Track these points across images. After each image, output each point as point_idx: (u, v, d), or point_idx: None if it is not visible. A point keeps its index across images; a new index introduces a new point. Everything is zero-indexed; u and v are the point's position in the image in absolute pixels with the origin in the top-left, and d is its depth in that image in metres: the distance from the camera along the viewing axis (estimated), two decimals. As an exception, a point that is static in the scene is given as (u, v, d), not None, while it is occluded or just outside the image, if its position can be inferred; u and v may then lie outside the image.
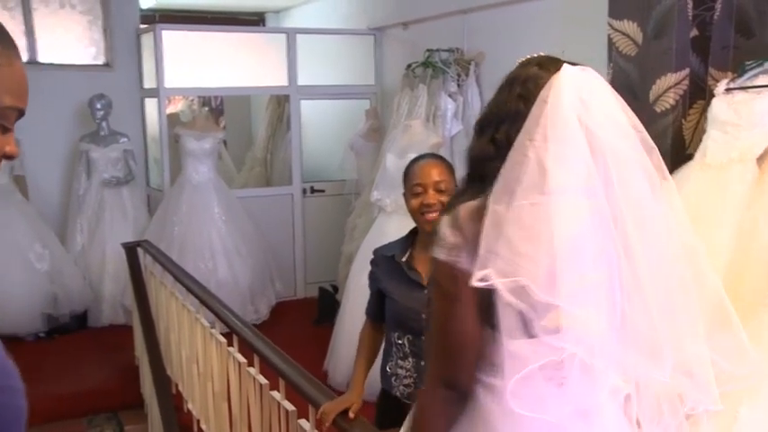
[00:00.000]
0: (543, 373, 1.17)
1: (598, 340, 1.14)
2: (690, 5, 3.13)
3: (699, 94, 3.13)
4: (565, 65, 1.25)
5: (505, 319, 1.14)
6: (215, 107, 7.77)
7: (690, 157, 2.98)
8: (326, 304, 5.15)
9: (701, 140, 2.94)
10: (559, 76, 1.22)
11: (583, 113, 1.18)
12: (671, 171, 2.86)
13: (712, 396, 1.18)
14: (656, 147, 1.23)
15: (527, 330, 1.15)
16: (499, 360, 1.18)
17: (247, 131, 7.63)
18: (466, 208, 1.24)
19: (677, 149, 3.10)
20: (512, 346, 1.15)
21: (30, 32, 5.71)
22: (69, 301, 5.11)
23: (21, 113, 0.95)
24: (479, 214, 1.19)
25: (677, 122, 3.10)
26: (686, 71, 3.12)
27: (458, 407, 1.27)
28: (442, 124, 4.62)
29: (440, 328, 1.27)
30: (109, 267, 5.18)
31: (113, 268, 5.09)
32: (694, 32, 3.15)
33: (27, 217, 5.11)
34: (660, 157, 1.20)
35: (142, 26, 5.97)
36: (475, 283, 1.13)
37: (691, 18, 3.14)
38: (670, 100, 3.10)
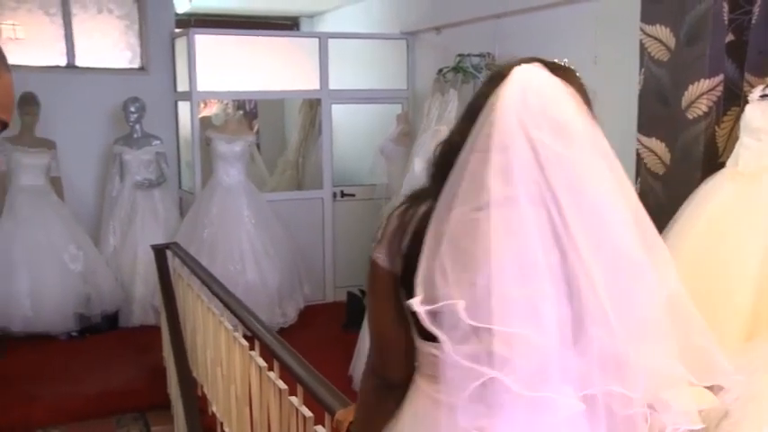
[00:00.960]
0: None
1: (541, 359, 1.07)
2: (726, 9, 3.06)
3: (733, 101, 3.05)
4: (517, 67, 1.18)
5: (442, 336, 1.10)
6: (249, 111, 7.83)
7: (723, 166, 2.91)
8: (355, 309, 5.14)
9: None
10: (509, 79, 1.15)
11: (529, 119, 1.11)
12: (703, 179, 2.83)
13: (689, 415, 1.11)
14: (612, 152, 1.15)
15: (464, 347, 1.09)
16: (437, 371, 1.13)
17: (281, 135, 7.68)
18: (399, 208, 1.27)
19: (710, 157, 3.03)
20: (449, 361, 1.09)
21: (69, 37, 5.82)
22: (101, 301, 5.19)
23: (4, 126, 0.95)
24: (405, 215, 1.21)
25: (710, 130, 3.03)
26: (720, 77, 3.05)
27: (390, 394, 1.30)
28: (473, 129, 4.58)
29: (368, 321, 1.35)
30: (140, 269, 5.25)
31: (144, 269, 5.15)
32: (730, 37, 3.08)
33: (62, 218, 5.21)
34: (619, 165, 1.14)
35: (176, 30, 6.04)
36: (413, 308, 1.10)
37: (726, 22, 3.06)
38: (703, 107, 3.03)
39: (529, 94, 1.13)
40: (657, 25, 3.22)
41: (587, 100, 1.26)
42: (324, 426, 2.17)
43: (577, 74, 1.30)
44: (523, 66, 1.18)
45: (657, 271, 1.11)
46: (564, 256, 1.07)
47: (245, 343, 2.96)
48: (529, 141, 1.09)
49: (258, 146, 7.04)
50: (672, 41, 3.17)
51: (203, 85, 5.44)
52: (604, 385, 1.09)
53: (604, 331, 1.07)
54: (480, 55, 4.75)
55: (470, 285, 1.06)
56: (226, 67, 5.57)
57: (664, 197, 3.15)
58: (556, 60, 1.27)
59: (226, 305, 3.12)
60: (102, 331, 5.23)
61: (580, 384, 1.09)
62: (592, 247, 1.07)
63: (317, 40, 5.81)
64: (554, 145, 1.09)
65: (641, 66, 3.29)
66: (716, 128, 3.04)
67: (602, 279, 1.07)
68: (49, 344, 4.96)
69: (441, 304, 1.07)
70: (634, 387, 1.07)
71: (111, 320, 5.33)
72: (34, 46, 5.78)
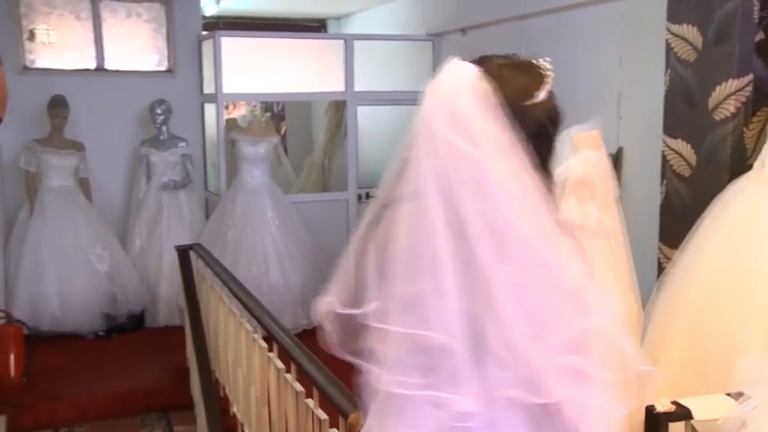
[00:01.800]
0: None
1: (434, 358, 1.06)
2: (756, 7, 2.98)
3: (763, 101, 2.98)
4: (449, 65, 1.18)
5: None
6: (277, 112, 7.87)
7: (751, 168, 2.83)
8: (378, 311, 5.12)
9: (764, 150, 2.79)
10: (438, 77, 1.17)
11: (436, 114, 1.11)
12: (730, 182, 2.76)
13: (606, 413, 1.09)
14: (526, 158, 1.11)
15: None
16: None
17: (308, 137, 7.70)
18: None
19: (738, 159, 2.96)
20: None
21: (98, 41, 5.90)
22: (127, 301, 5.25)
23: None
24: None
25: (738, 131, 2.96)
26: (749, 77, 2.97)
27: None
28: (497, 131, 4.54)
29: None
30: (165, 269, 5.29)
31: (169, 270, 5.19)
32: (760, 36, 3.00)
33: (89, 219, 5.28)
34: (527, 173, 1.11)
35: (203, 33, 6.09)
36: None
37: (757, 20, 2.99)
38: (730, 107, 2.96)
39: (442, 89, 1.14)
40: (684, 24, 3.15)
41: (522, 98, 1.19)
42: (338, 429, 2.16)
43: (542, 72, 1.25)
44: (453, 61, 1.19)
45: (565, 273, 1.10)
46: (464, 252, 1.07)
47: (264, 344, 2.96)
48: (433, 135, 1.10)
49: (285, 148, 7.08)
50: (699, 41, 3.11)
51: (229, 87, 5.47)
52: (508, 387, 1.06)
53: (505, 331, 1.06)
54: (505, 56, 4.70)
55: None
56: (252, 69, 5.60)
57: (689, 200, 3.09)
58: (531, 59, 1.28)
59: (245, 306, 3.13)
60: (128, 331, 5.29)
61: (483, 385, 1.08)
62: (492, 244, 1.06)
63: (342, 41, 5.81)
64: (454, 139, 1.09)
65: (667, 66, 3.23)
66: (744, 129, 2.97)
67: (501, 276, 1.06)
68: (76, 343, 5.03)
69: (355, 310, 1.09)
70: (538, 389, 1.05)
71: (137, 320, 5.39)
72: (65, 50, 5.87)
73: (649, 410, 1.87)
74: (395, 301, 1.08)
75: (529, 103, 1.20)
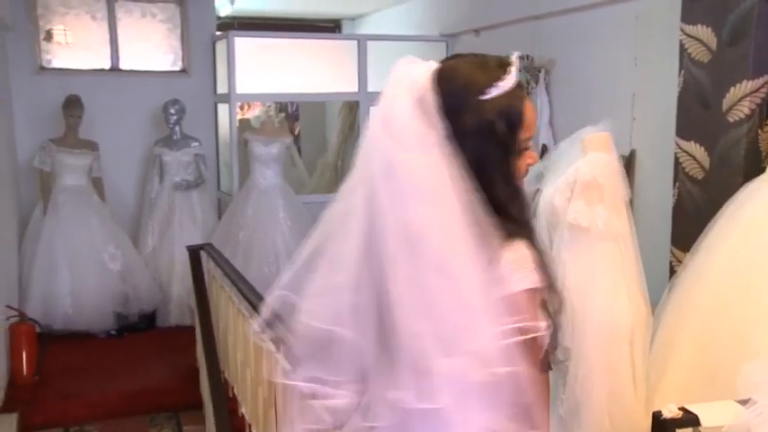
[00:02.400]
0: None
1: (334, 351, 1.10)
2: (772, 8, 2.94)
3: (779, 103, 2.93)
4: (400, 63, 1.21)
5: None
6: (291, 113, 7.88)
7: (765, 170, 2.79)
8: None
9: (779, 153, 2.75)
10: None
11: (376, 111, 1.16)
12: (743, 184, 2.72)
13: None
14: (454, 158, 1.14)
15: None
16: None
17: (322, 137, 7.70)
18: None
19: (752, 162, 2.91)
20: None
21: (113, 41, 5.94)
22: (139, 300, 5.27)
23: None
24: None
25: (752, 133, 2.91)
26: (764, 78, 2.92)
27: None
28: (510, 132, 4.52)
29: None
30: (177, 269, 5.31)
31: (181, 270, 5.20)
32: (775, 37, 2.95)
33: (102, 218, 5.31)
34: (463, 174, 1.12)
35: (217, 33, 6.11)
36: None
37: (772, 22, 2.94)
38: (745, 109, 2.91)
39: (387, 85, 1.19)
40: (698, 25, 3.11)
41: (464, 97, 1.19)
42: (342, 431, 2.14)
43: (501, 70, 1.22)
44: (406, 59, 1.22)
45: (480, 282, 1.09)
46: (374, 251, 1.10)
47: (272, 346, 2.95)
48: (367, 134, 1.16)
49: (299, 148, 7.08)
50: (713, 41, 3.06)
51: (242, 87, 5.47)
52: (397, 388, 1.07)
53: (406, 331, 1.06)
54: (519, 57, 4.66)
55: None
56: (265, 70, 5.60)
57: (703, 202, 3.04)
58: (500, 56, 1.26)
59: (254, 307, 3.12)
60: (139, 330, 5.31)
61: (383, 381, 1.10)
62: (400, 245, 1.08)
63: (355, 42, 5.81)
64: (381, 139, 1.13)
65: (681, 67, 3.18)
66: (758, 131, 2.92)
67: (402, 277, 1.07)
68: (88, 342, 5.06)
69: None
70: (424, 394, 1.06)
71: (149, 320, 5.41)
72: (81, 50, 5.92)
73: (656, 416, 1.84)
74: (307, 294, 1.13)
75: (477, 99, 1.18)
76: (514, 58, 1.25)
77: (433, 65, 1.22)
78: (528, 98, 1.25)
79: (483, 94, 1.19)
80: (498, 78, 1.20)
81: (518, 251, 1.16)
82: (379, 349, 1.11)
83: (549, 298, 1.19)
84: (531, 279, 1.15)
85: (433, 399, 1.05)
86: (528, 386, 1.09)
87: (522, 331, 1.09)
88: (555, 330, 1.21)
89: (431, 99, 1.16)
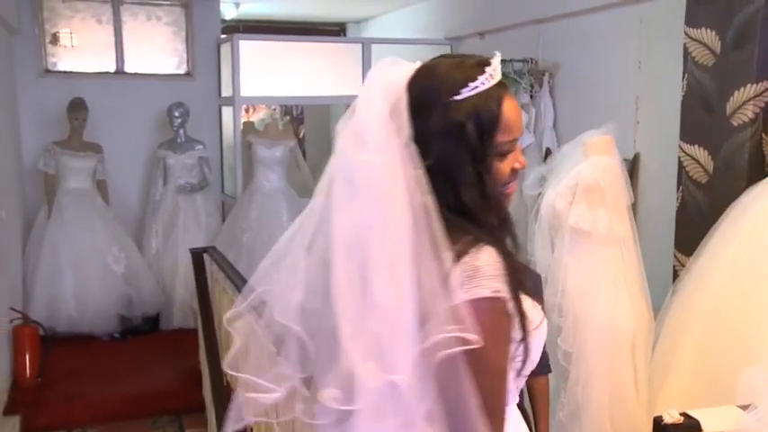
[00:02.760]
0: None
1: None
2: (776, 12, 2.92)
3: (783, 107, 2.91)
4: (379, 64, 1.22)
5: None
6: (296, 116, 7.88)
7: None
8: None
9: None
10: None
11: (347, 120, 1.16)
12: (747, 188, 2.70)
13: None
14: (419, 168, 1.11)
15: None
16: None
17: (327, 140, 7.68)
18: None
19: (755, 166, 2.89)
20: None
21: (119, 44, 5.96)
22: (142, 303, 5.27)
23: None
24: None
25: (756, 137, 2.89)
26: (769, 82, 2.91)
27: None
28: (513, 136, 4.50)
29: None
30: (181, 272, 5.31)
31: (185, 273, 5.20)
32: (781, 40, 2.94)
33: (106, 221, 5.31)
34: (422, 176, 1.10)
35: (222, 36, 6.12)
36: None
37: (777, 25, 2.92)
38: (749, 113, 2.90)
39: (363, 86, 1.19)
40: (702, 28, 3.09)
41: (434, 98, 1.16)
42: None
43: (479, 71, 1.17)
44: (386, 60, 1.22)
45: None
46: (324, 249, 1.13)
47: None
48: (341, 140, 1.16)
49: (304, 151, 7.08)
50: (717, 45, 3.05)
51: (247, 90, 5.48)
52: (332, 386, 1.08)
53: (340, 331, 1.07)
54: (523, 60, 4.66)
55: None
56: (270, 73, 5.60)
57: (706, 207, 3.03)
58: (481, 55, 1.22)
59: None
60: (143, 333, 5.31)
61: (322, 379, 1.11)
62: (344, 244, 1.09)
63: (360, 45, 5.81)
64: (345, 141, 1.14)
65: (685, 71, 3.17)
66: (762, 135, 2.90)
67: (345, 278, 1.08)
68: (91, 344, 5.06)
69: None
70: (349, 396, 1.06)
71: (152, 323, 5.41)
72: (87, 53, 5.93)
73: (657, 422, 1.83)
74: (273, 289, 1.16)
75: (449, 99, 1.15)
76: (495, 57, 1.20)
77: (418, 65, 1.21)
78: (512, 98, 1.20)
79: (455, 94, 1.15)
80: (472, 78, 1.16)
81: (480, 258, 1.10)
82: (323, 348, 1.11)
83: (521, 308, 1.14)
84: (488, 288, 1.09)
85: (352, 401, 1.05)
86: (458, 396, 1.06)
87: (458, 342, 1.04)
88: (527, 341, 1.16)
89: (404, 99, 1.15)
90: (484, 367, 1.08)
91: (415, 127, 1.13)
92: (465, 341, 1.04)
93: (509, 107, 1.18)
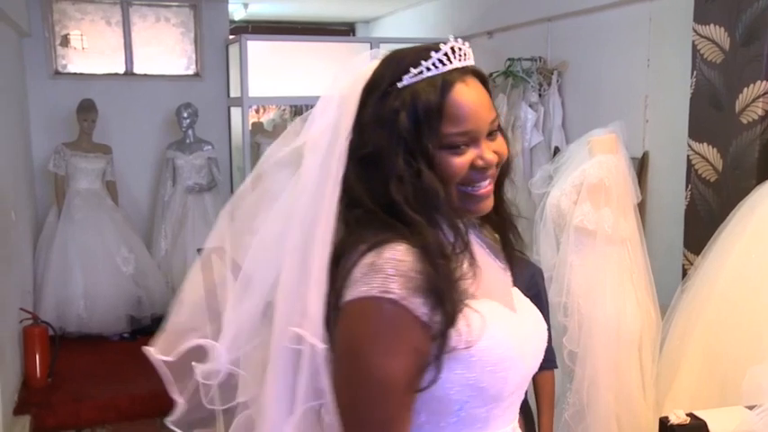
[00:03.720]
0: None
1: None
2: (786, 8, 2.89)
3: (793, 105, 2.88)
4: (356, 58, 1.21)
5: None
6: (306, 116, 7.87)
7: (779, 173, 2.74)
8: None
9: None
10: None
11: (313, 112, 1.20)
12: (757, 185, 2.67)
13: None
14: (340, 167, 1.09)
15: None
16: None
17: (336, 140, 7.70)
18: None
19: (765, 164, 2.87)
20: None
21: (128, 46, 5.97)
22: (152, 303, 5.28)
23: None
24: None
25: (766, 135, 2.87)
26: (779, 79, 2.88)
27: None
28: (522, 135, 4.49)
29: None
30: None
31: (194, 273, 5.22)
32: (791, 37, 2.90)
33: (116, 222, 5.33)
34: (337, 168, 1.09)
35: (230, 37, 6.13)
36: None
37: (787, 21, 2.89)
38: (758, 110, 2.87)
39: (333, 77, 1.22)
40: (711, 25, 3.07)
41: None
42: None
43: (427, 55, 1.08)
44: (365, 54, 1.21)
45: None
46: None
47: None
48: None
49: (312, 151, 7.07)
50: (726, 42, 3.02)
51: (255, 90, 5.48)
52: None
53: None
54: (531, 59, 4.64)
55: None
56: (278, 73, 5.61)
57: (715, 205, 3.00)
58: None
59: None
60: (152, 333, 5.27)
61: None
62: (275, 232, 1.16)
63: (368, 45, 5.80)
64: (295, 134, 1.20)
65: (693, 68, 3.14)
66: (772, 133, 2.87)
67: (270, 264, 1.15)
68: (101, 344, 5.08)
69: None
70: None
71: (162, 323, 5.40)
72: (96, 54, 5.96)
73: (663, 422, 1.81)
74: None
75: (390, 87, 1.09)
76: (448, 42, 1.09)
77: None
78: (472, 87, 1.07)
79: (397, 80, 1.08)
80: (415, 64, 1.07)
81: (382, 256, 1.01)
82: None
83: (432, 312, 1.02)
84: (377, 288, 0.99)
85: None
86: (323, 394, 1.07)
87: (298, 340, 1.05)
88: (441, 350, 1.02)
89: (354, 92, 1.12)
90: (357, 373, 1.01)
91: (357, 115, 1.10)
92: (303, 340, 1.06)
93: (463, 96, 1.06)
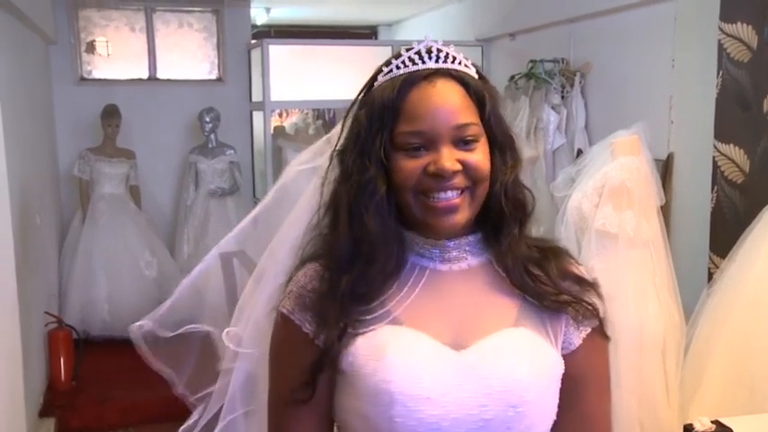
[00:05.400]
0: None
1: None
2: (816, 4, 2.83)
3: (823, 104, 2.81)
4: None
5: None
6: (328, 120, 7.89)
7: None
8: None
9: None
10: None
11: None
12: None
13: None
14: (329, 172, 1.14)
15: None
16: None
17: (359, 144, 7.70)
18: None
19: (794, 165, 2.80)
20: None
21: (151, 51, 6.03)
22: (174, 307, 5.30)
23: None
24: None
25: (794, 135, 2.80)
26: (807, 78, 2.82)
27: None
28: (544, 137, 4.45)
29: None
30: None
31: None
32: (820, 34, 2.84)
33: (139, 226, 5.37)
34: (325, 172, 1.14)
35: (252, 41, 6.16)
36: None
37: (816, 18, 2.83)
38: (787, 110, 2.81)
39: None
40: (738, 23, 3.01)
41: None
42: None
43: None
44: None
45: None
46: None
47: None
48: None
49: (334, 155, 7.07)
50: (754, 40, 2.96)
51: (277, 94, 5.50)
52: None
53: None
54: (554, 60, 4.60)
55: None
56: (300, 77, 5.61)
57: (741, 207, 2.94)
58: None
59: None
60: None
61: None
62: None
63: (389, 48, 5.78)
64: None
65: (719, 68, 3.08)
66: (801, 133, 2.81)
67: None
68: (125, 348, 5.07)
69: None
70: None
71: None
72: (120, 60, 6.02)
73: (688, 429, 1.77)
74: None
75: (370, 88, 1.08)
76: (415, 43, 1.06)
77: None
78: (434, 87, 1.02)
79: (374, 81, 1.07)
80: (389, 63, 1.05)
81: (296, 274, 1.09)
82: None
83: (317, 329, 1.03)
84: (281, 302, 1.08)
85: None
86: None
87: None
88: (318, 367, 1.02)
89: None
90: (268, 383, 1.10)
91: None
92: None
93: (422, 95, 1.01)
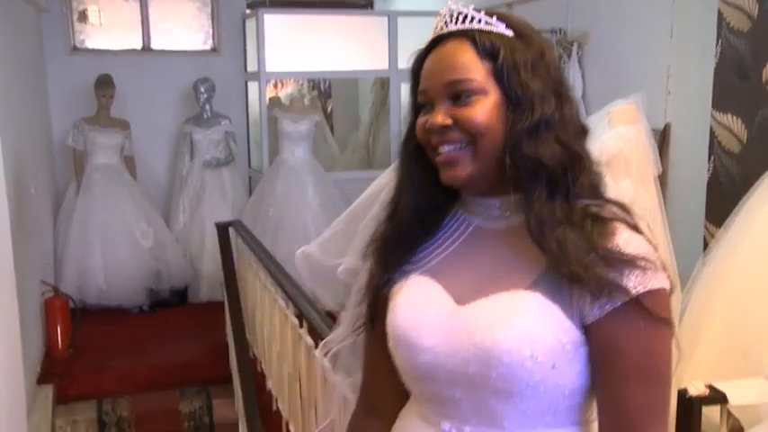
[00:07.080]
0: None
1: None
2: (817, -29, 2.81)
3: (821, 73, 2.81)
4: None
5: None
6: (323, 91, 7.84)
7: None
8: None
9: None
10: None
11: None
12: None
13: None
14: None
15: None
16: None
17: (354, 115, 7.65)
18: None
19: (791, 134, 2.80)
20: None
21: (145, 21, 5.97)
22: (170, 276, 5.33)
23: None
24: None
25: (792, 104, 2.80)
26: (807, 47, 2.80)
27: None
28: (541, 108, 4.43)
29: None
30: (208, 246, 5.34)
31: (212, 247, 5.20)
32: (821, 3, 2.82)
33: (134, 196, 5.36)
34: None
35: (247, 11, 6.09)
36: None
37: (817, -14, 2.81)
38: (785, 79, 2.80)
39: None
40: (738, -9, 2.99)
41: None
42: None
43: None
44: None
45: None
46: None
47: (296, 321, 2.95)
48: None
49: (332, 126, 7.05)
50: (754, 8, 2.94)
51: (272, 65, 5.46)
52: None
53: None
54: (551, 31, 4.56)
55: None
56: (295, 47, 5.58)
57: (738, 177, 2.94)
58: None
59: (278, 283, 3.12)
60: (171, 306, 5.37)
61: None
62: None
63: (386, 18, 5.75)
64: None
65: (718, 37, 3.07)
66: (799, 102, 2.81)
67: None
68: (121, 317, 5.14)
69: None
70: None
71: (181, 296, 5.47)
72: (113, 30, 5.95)
73: (682, 394, 1.79)
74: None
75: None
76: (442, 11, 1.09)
77: None
78: (444, 47, 1.06)
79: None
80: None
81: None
82: None
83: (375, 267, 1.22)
84: None
85: None
86: None
87: None
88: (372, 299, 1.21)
89: None
90: None
91: None
92: None
93: (432, 57, 1.07)
